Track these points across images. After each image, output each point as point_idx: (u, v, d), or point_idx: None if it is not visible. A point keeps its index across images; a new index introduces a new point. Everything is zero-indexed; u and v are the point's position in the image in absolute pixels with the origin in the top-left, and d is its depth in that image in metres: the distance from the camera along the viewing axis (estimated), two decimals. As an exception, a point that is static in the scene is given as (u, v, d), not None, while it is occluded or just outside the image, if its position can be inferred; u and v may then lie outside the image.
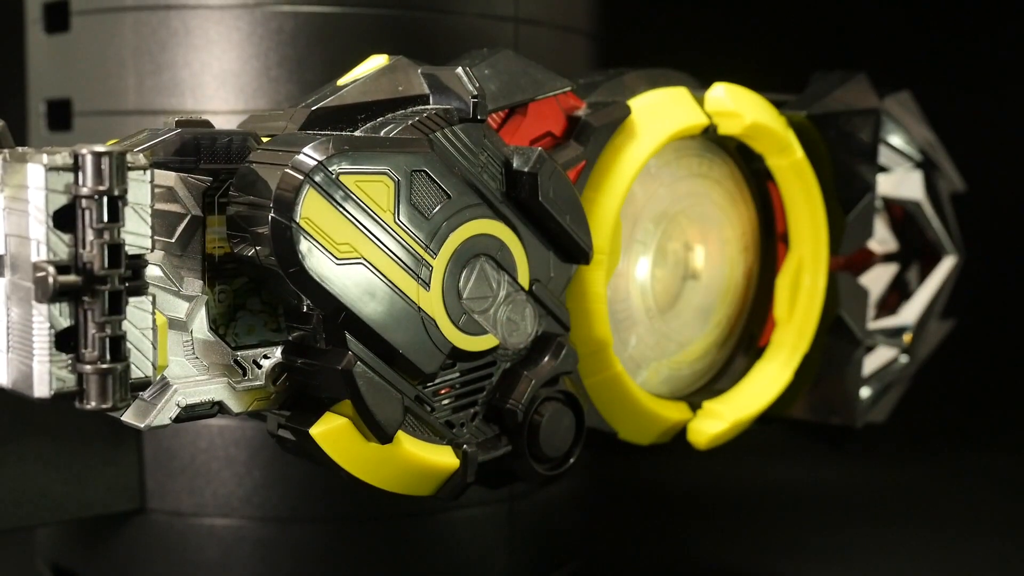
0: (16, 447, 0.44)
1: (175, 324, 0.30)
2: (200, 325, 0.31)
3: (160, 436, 0.46)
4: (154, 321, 0.29)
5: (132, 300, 0.28)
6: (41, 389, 0.27)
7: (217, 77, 0.44)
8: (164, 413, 0.30)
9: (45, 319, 0.27)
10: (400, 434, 0.32)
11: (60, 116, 0.48)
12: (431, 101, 0.33)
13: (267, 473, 0.45)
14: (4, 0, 0.60)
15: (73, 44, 0.47)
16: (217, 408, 0.31)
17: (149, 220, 0.28)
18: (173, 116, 0.31)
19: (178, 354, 0.31)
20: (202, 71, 0.44)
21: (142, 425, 0.30)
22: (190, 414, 0.31)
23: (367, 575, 0.46)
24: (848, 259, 0.46)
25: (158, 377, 0.30)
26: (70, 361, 0.27)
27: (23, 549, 0.54)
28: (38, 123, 0.50)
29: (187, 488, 0.45)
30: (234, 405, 0.32)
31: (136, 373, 0.29)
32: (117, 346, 0.27)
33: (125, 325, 0.28)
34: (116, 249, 0.27)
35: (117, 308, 0.27)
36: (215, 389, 0.31)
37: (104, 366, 0.27)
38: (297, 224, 0.29)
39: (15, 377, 0.28)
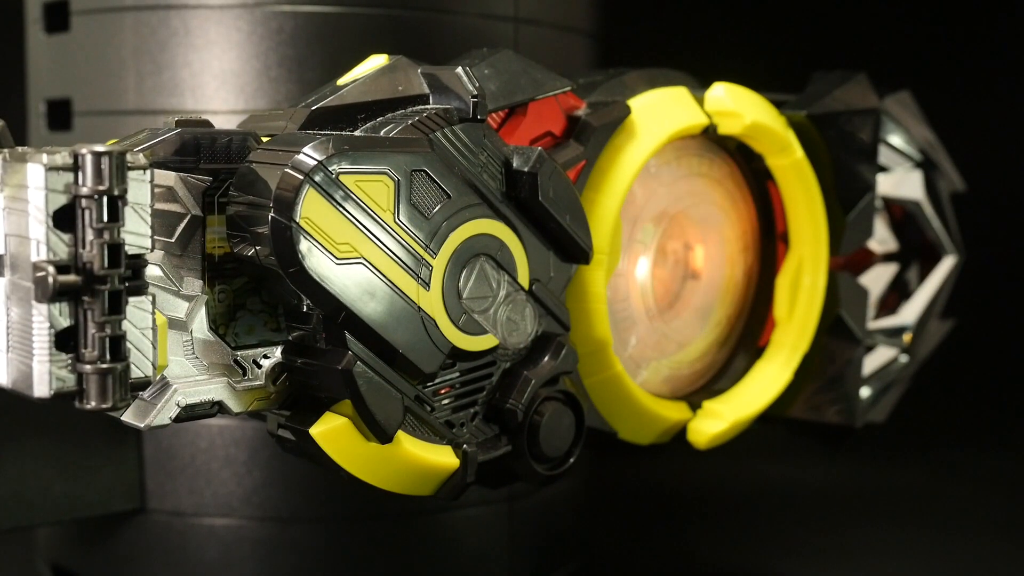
0: (16, 447, 0.44)
1: (175, 324, 0.30)
2: (200, 325, 0.31)
3: (160, 436, 0.46)
4: (154, 321, 0.29)
5: (132, 300, 0.28)
6: (41, 389, 0.27)
7: (217, 77, 0.44)
8: (164, 413, 0.30)
9: (45, 319, 0.27)
10: (400, 434, 0.32)
11: (60, 116, 0.48)
12: (431, 101, 0.33)
13: (267, 473, 0.45)
14: (4, 0, 0.60)
15: (73, 44, 0.47)
16: (217, 408, 0.31)
17: (149, 220, 0.28)
18: (173, 116, 0.31)
19: (178, 354, 0.31)
20: (202, 71, 0.44)
21: (142, 425, 0.30)
22: (190, 414, 0.31)
23: (367, 575, 0.46)
24: (848, 259, 0.46)
25: (158, 377, 0.30)
26: (70, 361, 0.27)
27: (23, 549, 0.54)
28: (38, 123, 0.50)
29: (187, 488, 0.45)
30: (234, 405, 0.31)
31: (136, 373, 0.29)
32: (117, 346, 0.27)
33: (125, 325, 0.28)
34: (116, 249, 0.27)
35: (117, 308, 0.27)
36: (215, 389, 0.31)
37: (104, 366, 0.27)
38: (297, 224, 0.29)
39: (15, 377, 0.28)
